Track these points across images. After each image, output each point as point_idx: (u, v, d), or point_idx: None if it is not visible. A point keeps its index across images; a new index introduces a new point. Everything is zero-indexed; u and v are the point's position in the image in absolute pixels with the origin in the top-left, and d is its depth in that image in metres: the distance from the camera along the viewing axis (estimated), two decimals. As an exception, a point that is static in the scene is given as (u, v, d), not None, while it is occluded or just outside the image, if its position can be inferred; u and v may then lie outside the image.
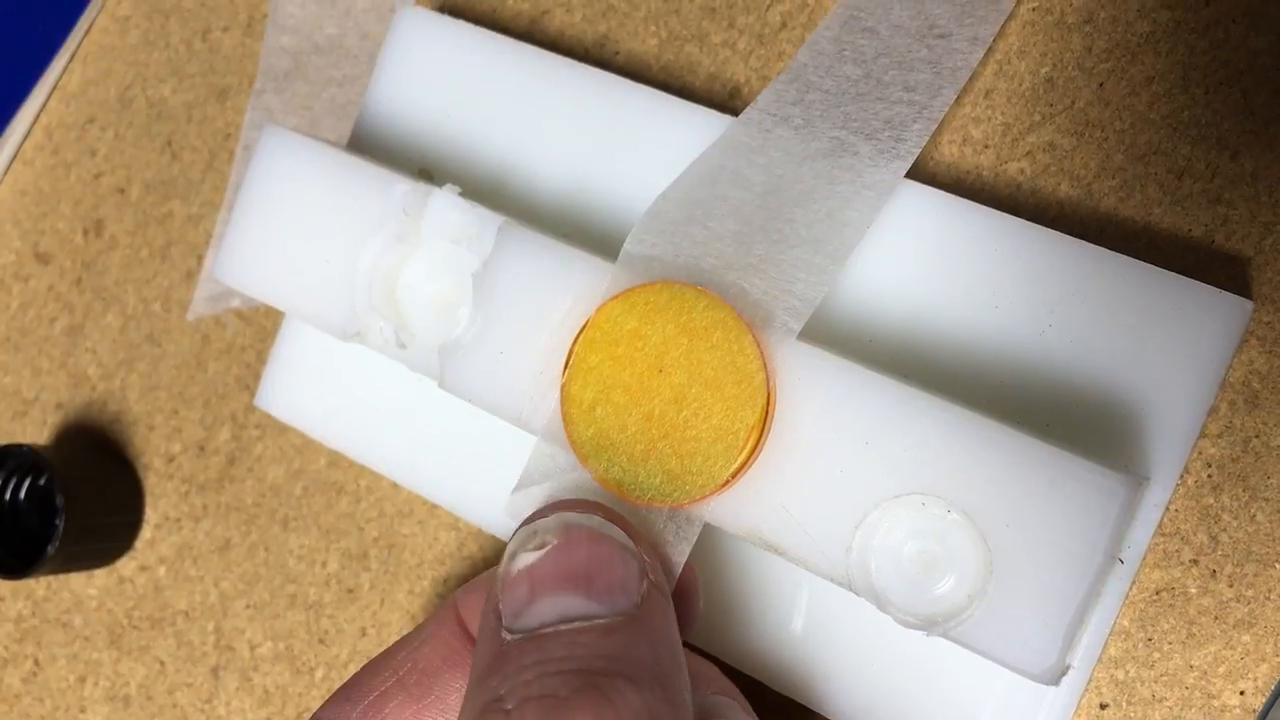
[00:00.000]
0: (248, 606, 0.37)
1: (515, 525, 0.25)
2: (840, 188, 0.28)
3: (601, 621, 0.22)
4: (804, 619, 0.28)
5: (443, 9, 0.37)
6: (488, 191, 0.33)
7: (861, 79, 0.29)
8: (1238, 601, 0.27)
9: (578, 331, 0.27)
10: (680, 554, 0.26)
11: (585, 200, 0.32)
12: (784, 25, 0.32)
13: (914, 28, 0.30)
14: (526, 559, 0.23)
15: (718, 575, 0.29)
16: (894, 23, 0.30)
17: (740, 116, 0.30)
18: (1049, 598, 0.23)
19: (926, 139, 0.28)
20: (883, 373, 0.25)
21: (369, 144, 0.34)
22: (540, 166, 0.32)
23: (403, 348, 0.29)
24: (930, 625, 0.24)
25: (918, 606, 0.24)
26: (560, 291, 0.27)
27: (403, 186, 0.29)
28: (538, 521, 0.24)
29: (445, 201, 0.29)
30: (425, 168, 0.34)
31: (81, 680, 0.39)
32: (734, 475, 0.25)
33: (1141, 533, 0.26)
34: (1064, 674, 0.23)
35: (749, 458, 0.25)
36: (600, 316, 0.26)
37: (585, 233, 0.32)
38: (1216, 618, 0.27)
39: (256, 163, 0.32)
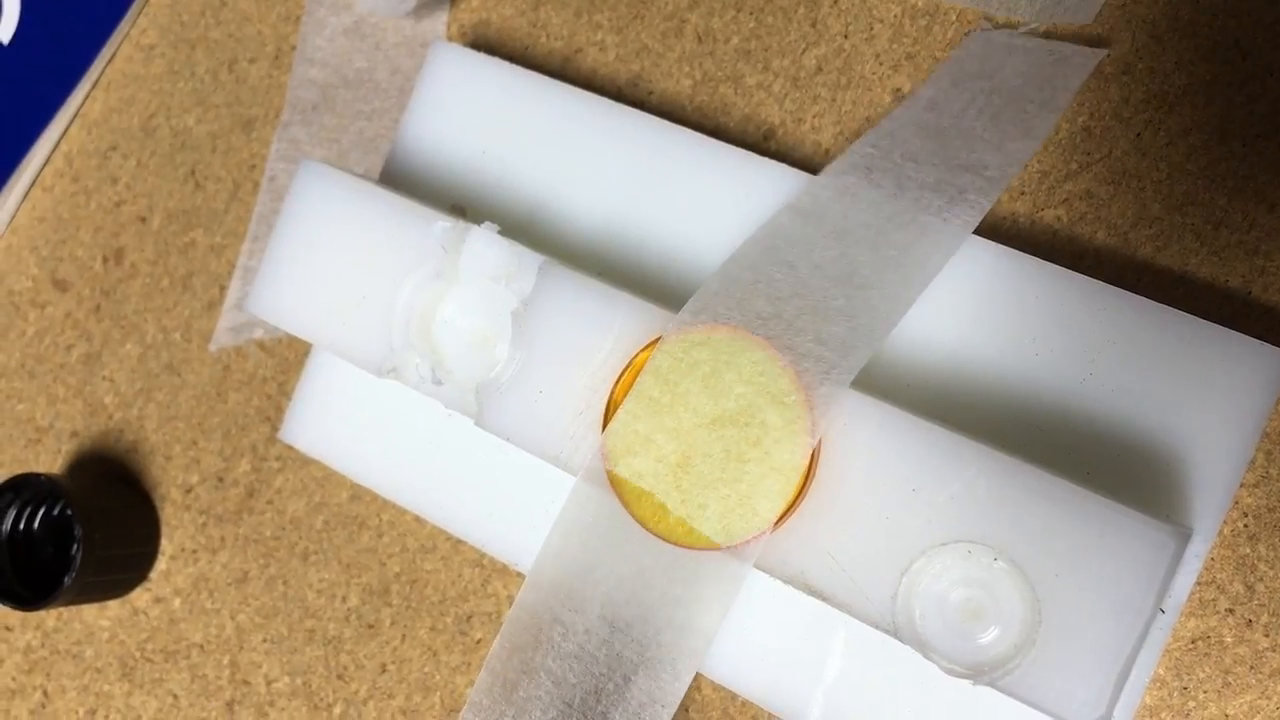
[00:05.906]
0: (265, 640, 0.37)
1: None
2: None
3: None
4: (840, 664, 0.28)
5: (475, 45, 0.37)
6: (519, 228, 0.33)
7: (771, 318, 0.26)
8: (1273, 651, 0.27)
9: (620, 372, 0.27)
10: None
11: (617, 239, 0.32)
12: (819, 69, 0.33)
13: (835, 272, 0.27)
14: None
15: (749, 616, 0.29)
16: (815, 262, 0.27)
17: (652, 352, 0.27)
18: (1098, 649, 0.23)
19: (833, 403, 0.25)
20: (929, 419, 0.25)
21: (401, 178, 0.34)
22: (572, 205, 0.32)
23: (439, 385, 0.29)
24: (976, 674, 0.24)
25: (963, 655, 0.24)
26: (603, 332, 0.27)
27: (442, 223, 0.29)
28: None
29: (484, 239, 0.29)
30: (457, 204, 0.34)
31: (91, 713, 0.39)
32: (779, 520, 0.25)
33: (1181, 582, 0.26)
34: (1107, 724, 0.23)
35: (794, 502, 0.25)
36: (648, 359, 0.26)
37: (617, 271, 0.32)
38: (1252, 667, 0.27)
39: (293, 196, 0.32)
